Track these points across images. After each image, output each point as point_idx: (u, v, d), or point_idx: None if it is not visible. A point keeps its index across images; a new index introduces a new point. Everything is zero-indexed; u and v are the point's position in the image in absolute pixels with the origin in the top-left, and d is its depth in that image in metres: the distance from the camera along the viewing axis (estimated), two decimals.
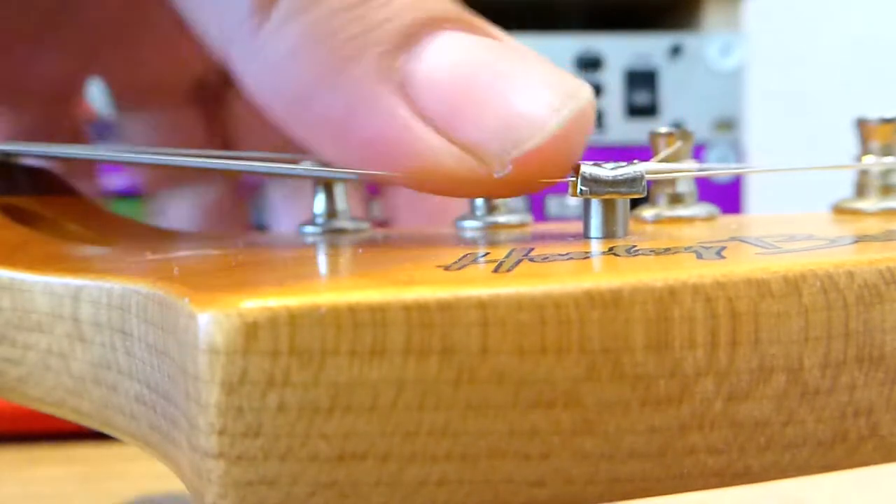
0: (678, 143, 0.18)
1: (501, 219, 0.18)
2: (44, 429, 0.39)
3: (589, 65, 0.55)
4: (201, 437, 0.09)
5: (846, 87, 0.93)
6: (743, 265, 0.11)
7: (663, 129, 0.19)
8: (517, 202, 0.19)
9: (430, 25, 0.14)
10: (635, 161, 0.14)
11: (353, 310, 0.09)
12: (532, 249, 0.13)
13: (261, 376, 0.09)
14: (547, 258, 0.12)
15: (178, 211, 0.28)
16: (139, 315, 0.11)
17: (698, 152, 0.54)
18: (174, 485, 0.33)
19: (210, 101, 0.27)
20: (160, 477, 0.34)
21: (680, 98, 0.57)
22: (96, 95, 0.41)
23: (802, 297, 0.10)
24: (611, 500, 0.10)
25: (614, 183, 0.14)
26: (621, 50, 0.56)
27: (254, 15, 0.14)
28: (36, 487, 0.34)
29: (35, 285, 0.13)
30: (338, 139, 0.14)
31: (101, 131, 0.45)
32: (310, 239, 0.18)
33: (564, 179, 0.14)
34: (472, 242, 0.15)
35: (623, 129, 0.57)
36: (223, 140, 0.27)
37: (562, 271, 0.11)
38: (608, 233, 0.14)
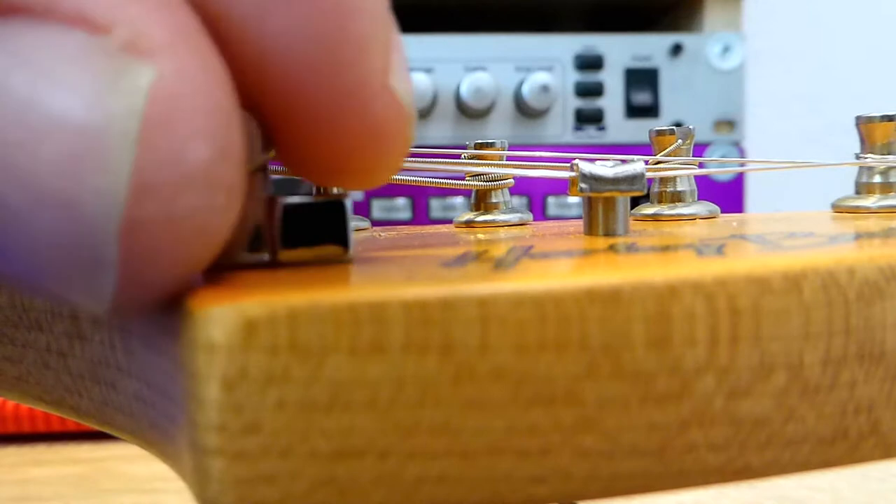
0: (678, 142, 0.18)
1: (501, 217, 0.18)
2: (44, 429, 0.39)
3: (589, 65, 0.55)
4: (200, 435, 0.09)
5: (846, 87, 0.93)
6: (743, 262, 0.11)
7: (664, 128, 0.19)
8: (517, 201, 0.19)
9: None
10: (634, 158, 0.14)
11: (352, 307, 0.09)
12: (532, 247, 0.13)
13: (260, 373, 0.09)
14: (547, 256, 0.12)
15: None
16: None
17: (699, 152, 0.54)
18: (174, 484, 0.33)
19: None
20: (160, 477, 0.34)
21: (680, 98, 0.57)
22: None
23: (803, 293, 0.10)
24: (610, 497, 0.10)
25: (615, 181, 0.14)
26: (621, 50, 0.56)
27: None
28: (36, 487, 0.34)
29: None
30: None
31: None
32: None
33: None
34: (472, 240, 0.15)
35: (623, 129, 0.57)
36: None
37: (562, 269, 0.11)
38: (608, 231, 0.14)
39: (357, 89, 0.10)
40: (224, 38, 0.10)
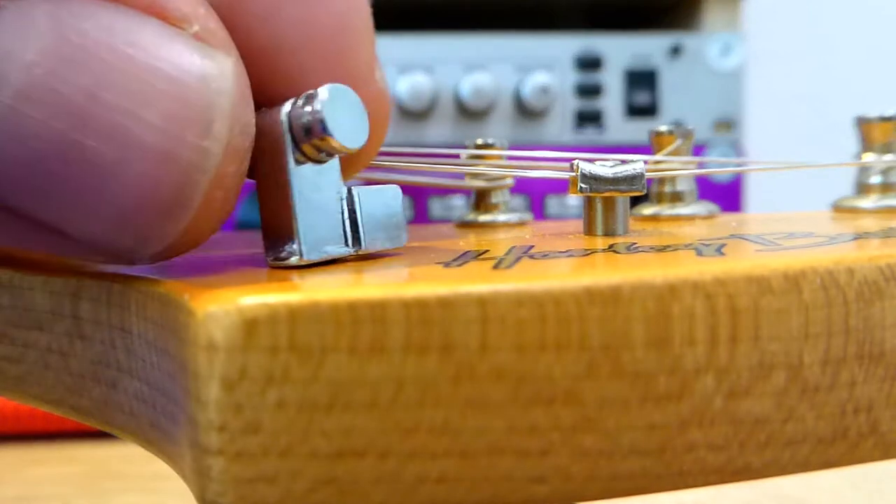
0: (678, 141, 0.18)
1: (501, 217, 0.18)
2: (44, 429, 0.39)
3: (589, 65, 0.55)
4: (201, 434, 0.09)
5: (846, 87, 0.93)
6: (743, 262, 0.11)
7: (664, 128, 0.19)
8: (517, 201, 0.19)
9: None
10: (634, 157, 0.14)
11: (352, 306, 0.09)
12: (532, 247, 0.13)
13: (260, 373, 0.09)
14: (547, 255, 0.12)
15: None
16: (139, 313, 0.11)
17: (698, 152, 0.54)
18: (174, 484, 0.33)
19: None
20: (160, 477, 0.34)
21: (680, 98, 0.57)
22: None
23: (802, 293, 0.10)
24: (610, 497, 0.10)
25: (614, 181, 0.14)
26: (621, 50, 0.56)
27: None
28: (36, 487, 0.34)
29: (35, 283, 0.13)
30: None
31: None
32: None
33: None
34: (472, 240, 0.15)
35: (623, 129, 0.57)
36: None
37: (562, 268, 0.11)
38: (608, 230, 0.14)
39: (355, 74, 0.12)
40: (243, 30, 0.12)
